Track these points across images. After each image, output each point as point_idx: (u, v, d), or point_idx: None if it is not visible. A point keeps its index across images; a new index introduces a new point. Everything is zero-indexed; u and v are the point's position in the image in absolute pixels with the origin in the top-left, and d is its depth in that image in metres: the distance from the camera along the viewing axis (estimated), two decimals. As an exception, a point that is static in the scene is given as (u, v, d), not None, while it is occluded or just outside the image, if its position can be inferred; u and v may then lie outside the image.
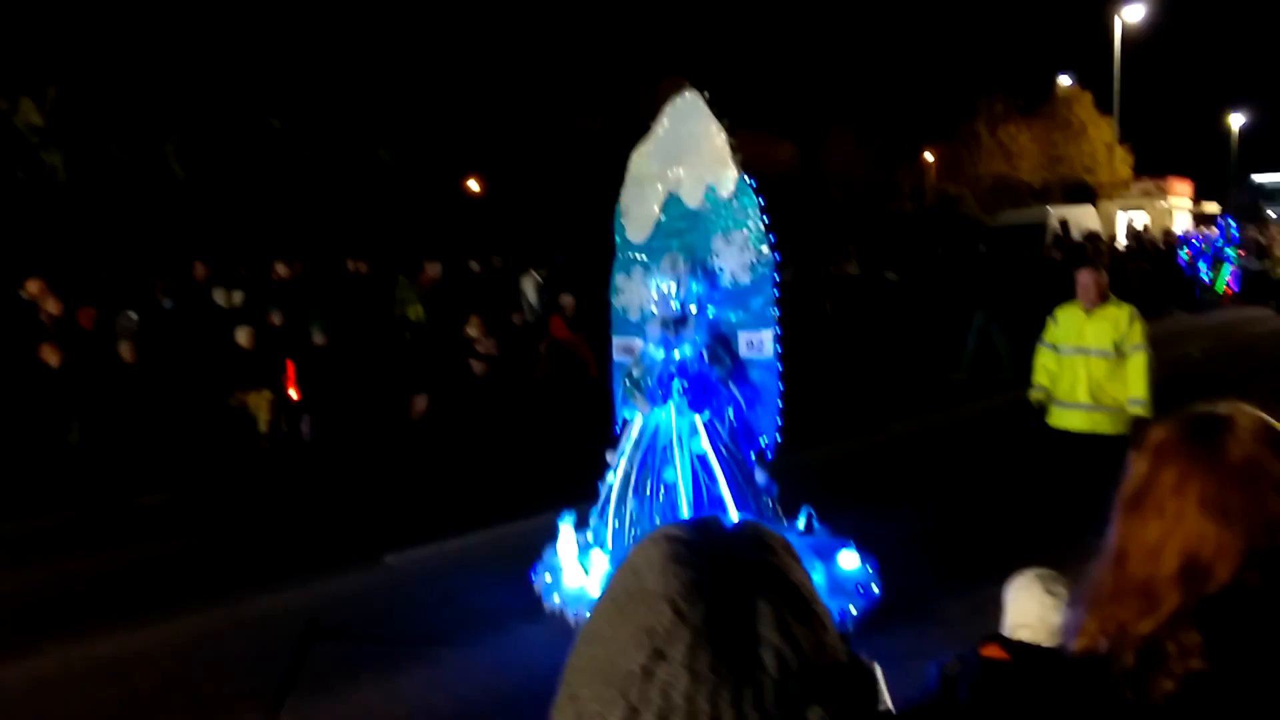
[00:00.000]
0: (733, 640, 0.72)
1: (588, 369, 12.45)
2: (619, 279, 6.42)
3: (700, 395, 5.77)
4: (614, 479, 5.99)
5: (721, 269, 5.85)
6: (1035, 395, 6.56)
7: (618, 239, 6.42)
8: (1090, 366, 6.21)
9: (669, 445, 5.82)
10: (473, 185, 21.56)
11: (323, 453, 10.92)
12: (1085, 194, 31.33)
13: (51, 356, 9.94)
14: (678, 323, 5.77)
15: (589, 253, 15.24)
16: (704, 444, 5.76)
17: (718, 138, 5.87)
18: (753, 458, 5.88)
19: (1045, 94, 37.38)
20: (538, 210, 18.60)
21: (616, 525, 5.88)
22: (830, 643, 0.77)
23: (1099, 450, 6.03)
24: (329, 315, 11.91)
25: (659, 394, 5.82)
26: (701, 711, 0.69)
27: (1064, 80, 37.74)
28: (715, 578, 0.74)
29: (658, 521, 5.57)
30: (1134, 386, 6.08)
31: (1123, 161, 36.56)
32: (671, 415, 5.85)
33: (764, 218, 5.72)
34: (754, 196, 5.74)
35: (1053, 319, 6.53)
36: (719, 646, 0.71)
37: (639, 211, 6.27)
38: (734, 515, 5.42)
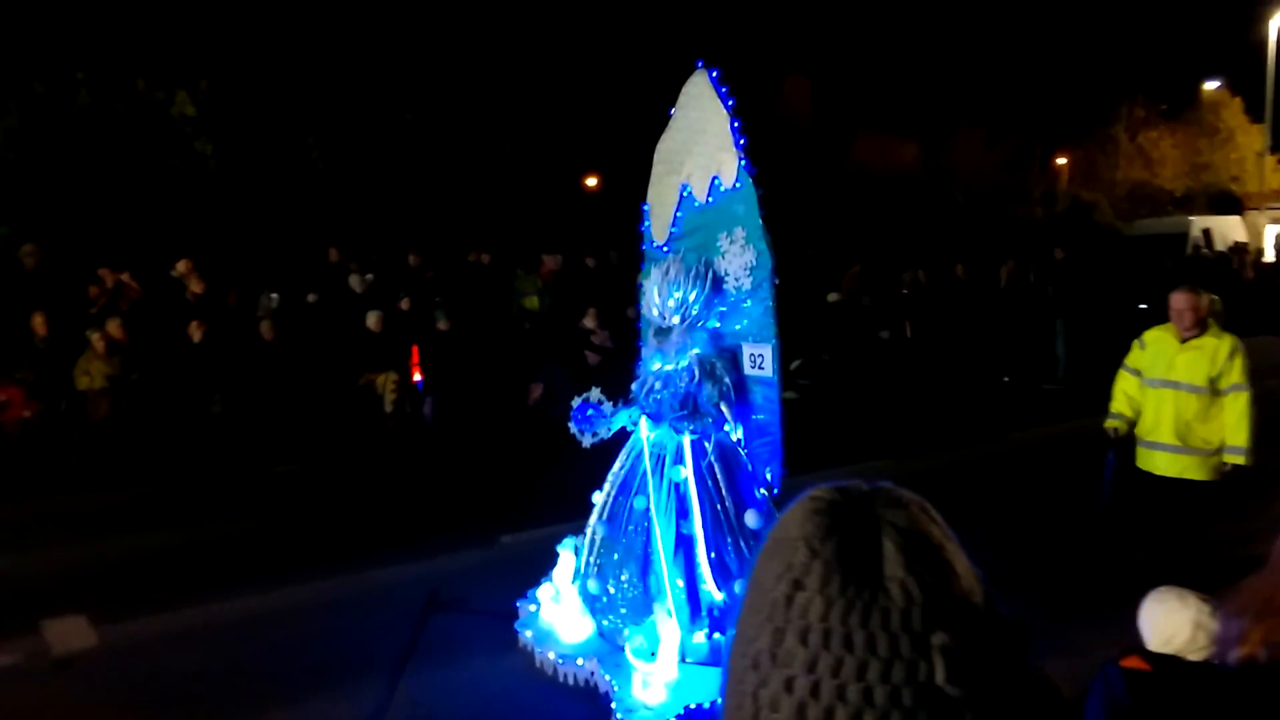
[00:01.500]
0: (860, 572, 0.83)
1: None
2: (645, 284, 5.55)
3: (678, 415, 5.00)
4: (598, 502, 5.41)
5: (726, 273, 5.16)
6: (1111, 424, 5.91)
7: (645, 240, 5.87)
8: (1179, 403, 5.51)
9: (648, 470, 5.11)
10: (591, 182, 21.89)
11: (443, 434, 11.29)
12: (1231, 204, 29.67)
13: (196, 332, 10.58)
14: (662, 332, 5.12)
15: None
16: (684, 472, 5.01)
17: (718, 119, 5.14)
18: (759, 494, 5.06)
19: (1190, 98, 35.51)
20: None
21: (588, 554, 5.33)
22: (962, 586, 0.85)
23: (1187, 497, 5.45)
24: (452, 303, 12.32)
25: (635, 412, 5.21)
26: (834, 629, 0.81)
27: (1211, 85, 35.79)
28: (846, 524, 0.86)
29: (617, 555, 5.09)
30: (1233, 432, 5.38)
31: (1274, 171, 34.46)
32: (643, 436, 5.16)
33: (761, 209, 4.96)
34: (752, 185, 4.99)
35: (1139, 343, 5.82)
36: (848, 576, 0.83)
37: (660, 210, 5.72)
38: (703, 558, 4.86)
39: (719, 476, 5.03)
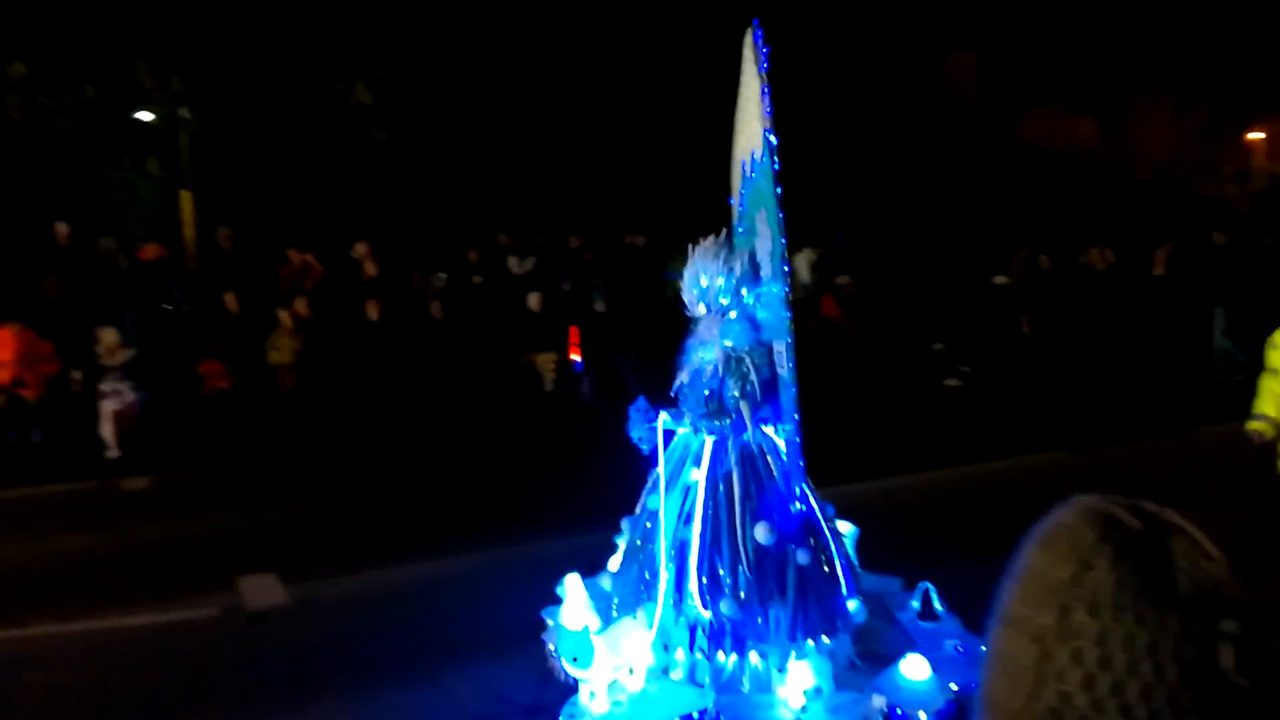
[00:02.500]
0: (1149, 557, 0.85)
1: (856, 350, 12.34)
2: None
3: (699, 414, 4.63)
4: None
5: (761, 258, 4.77)
6: (1256, 426, 5.54)
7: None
8: None
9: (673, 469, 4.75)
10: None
11: (600, 413, 11.54)
12: None
13: (373, 311, 11.17)
14: (692, 321, 4.81)
15: (874, 232, 14.97)
16: (695, 475, 4.64)
17: (754, 84, 4.68)
18: (793, 509, 4.63)
19: None
20: (817, 187, 18.47)
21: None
22: (1234, 585, 0.87)
23: None
24: (610, 285, 12.54)
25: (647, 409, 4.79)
26: (1126, 605, 0.83)
27: None
28: (1127, 518, 0.88)
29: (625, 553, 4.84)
30: None
31: None
32: (659, 434, 4.75)
33: (778, 188, 4.47)
34: (770, 159, 4.52)
35: (1271, 342, 5.45)
36: (1138, 560, 0.85)
37: (735, 187, 5.37)
38: (693, 570, 4.50)
39: (735, 484, 4.61)
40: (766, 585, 4.52)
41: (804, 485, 4.67)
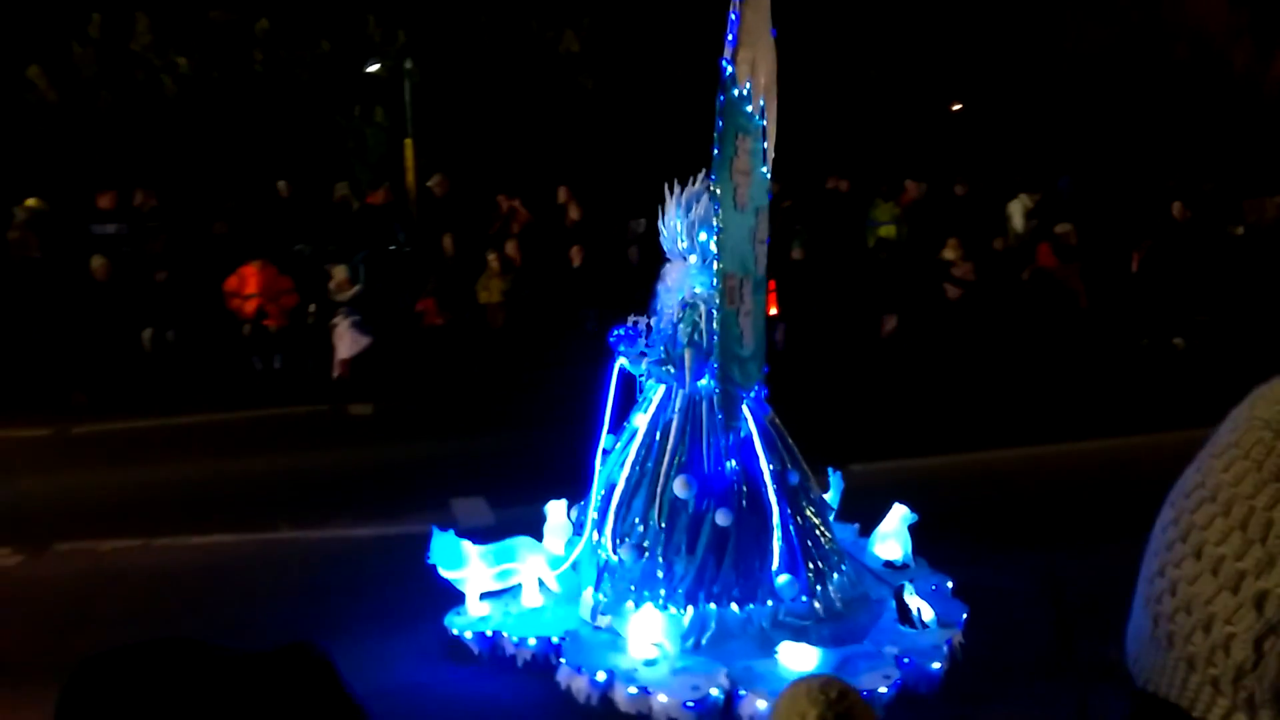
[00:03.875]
0: None
1: (1077, 301, 11.65)
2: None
3: (653, 360, 4.63)
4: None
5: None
6: None
7: None
8: None
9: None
10: (955, 106, 20.69)
11: (794, 361, 11.49)
12: None
13: (576, 256, 11.54)
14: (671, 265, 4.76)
15: (1098, 178, 13.98)
16: (639, 420, 4.72)
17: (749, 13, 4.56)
18: (728, 467, 4.57)
19: None
20: (1032, 132, 17.37)
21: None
22: None
23: None
24: (809, 232, 12.35)
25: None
26: None
27: None
28: None
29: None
30: None
31: None
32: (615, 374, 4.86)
33: (719, 121, 4.43)
34: (724, 91, 4.46)
35: None
36: None
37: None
38: (613, 513, 4.61)
39: (671, 434, 4.60)
40: (675, 539, 4.46)
41: (764, 447, 4.59)
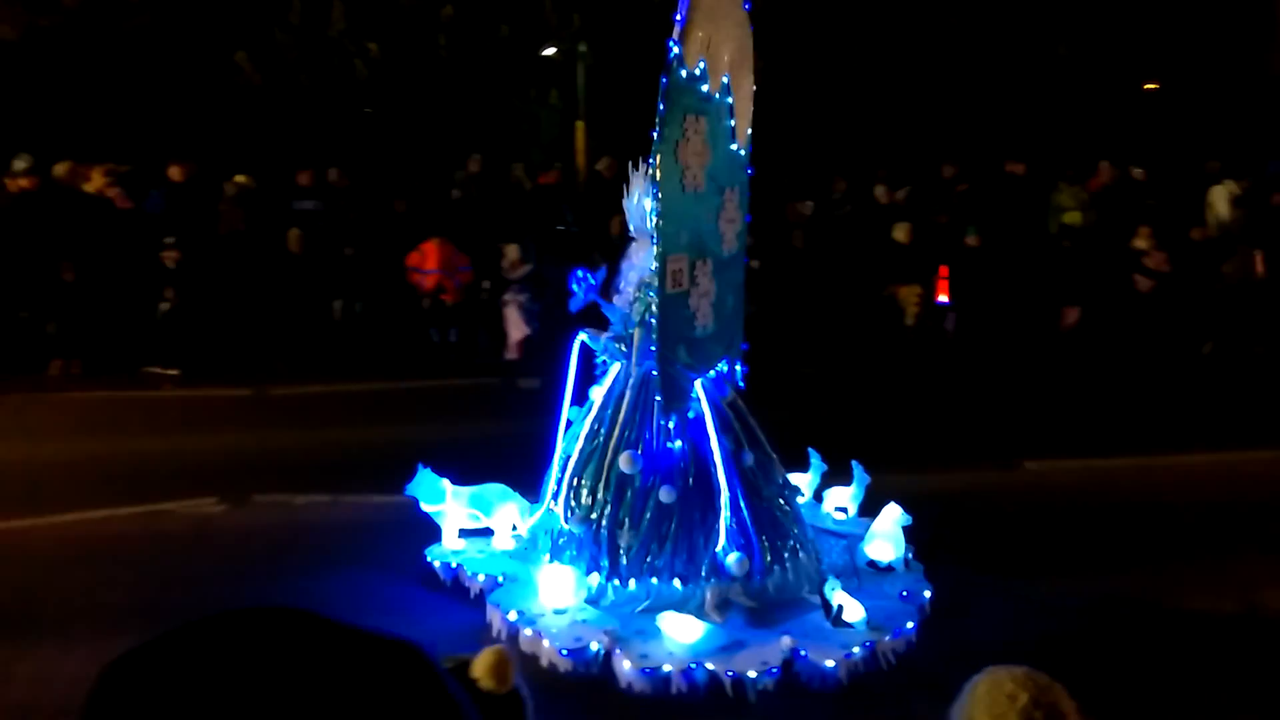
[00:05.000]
0: None
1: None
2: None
3: (610, 335, 4.85)
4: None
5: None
6: None
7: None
8: None
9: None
10: (1149, 86, 19.31)
11: (965, 351, 11.09)
12: None
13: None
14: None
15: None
16: (595, 393, 4.94)
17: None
18: (672, 445, 4.65)
19: None
20: (1238, 113, 16.04)
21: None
22: None
23: None
24: (985, 217, 11.88)
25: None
26: None
27: None
28: None
29: None
30: None
31: None
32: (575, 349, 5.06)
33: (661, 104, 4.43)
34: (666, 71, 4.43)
35: None
36: None
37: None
38: (566, 484, 4.84)
39: (622, 410, 4.71)
40: (620, 514, 4.60)
41: (717, 427, 4.65)
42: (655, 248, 4.48)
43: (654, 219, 4.48)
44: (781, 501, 4.92)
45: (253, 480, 6.68)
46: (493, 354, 10.95)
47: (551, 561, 4.81)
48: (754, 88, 5.05)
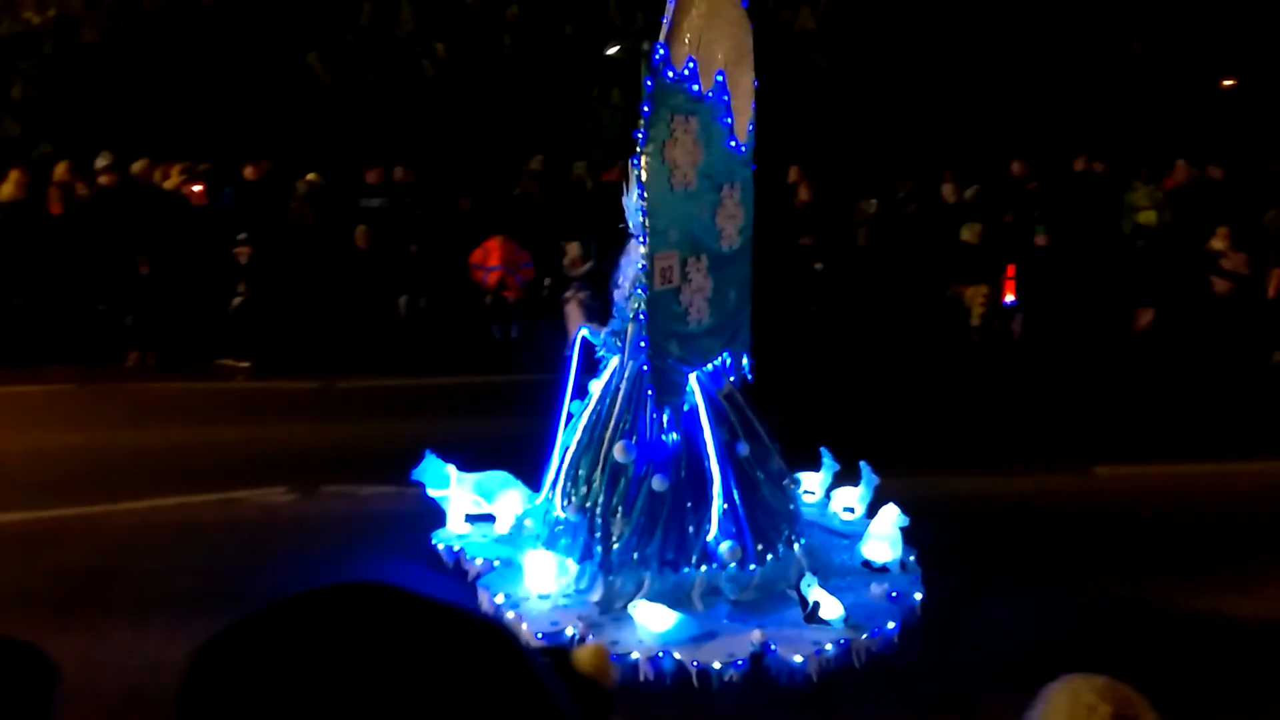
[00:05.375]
0: None
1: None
2: None
3: (609, 330, 4.97)
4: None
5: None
6: None
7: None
8: None
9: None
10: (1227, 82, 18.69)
11: (1032, 353, 10.87)
12: None
13: (804, 238, 11.40)
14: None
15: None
16: (593, 387, 5.03)
17: None
18: (667, 438, 4.77)
19: None
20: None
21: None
22: None
23: None
24: (1055, 216, 11.63)
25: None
26: None
27: None
28: None
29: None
30: None
31: None
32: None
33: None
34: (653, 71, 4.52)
35: None
36: None
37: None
38: (563, 475, 5.02)
39: (618, 401, 4.83)
40: (613, 502, 4.72)
41: (710, 419, 4.76)
42: (642, 246, 4.59)
43: (641, 218, 4.58)
44: (780, 494, 5.02)
45: (321, 471, 6.82)
46: (554, 351, 11.02)
47: (546, 548, 4.95)
48: (755, 84, 5.15)
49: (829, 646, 4.30)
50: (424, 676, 0.70)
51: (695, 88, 4.69)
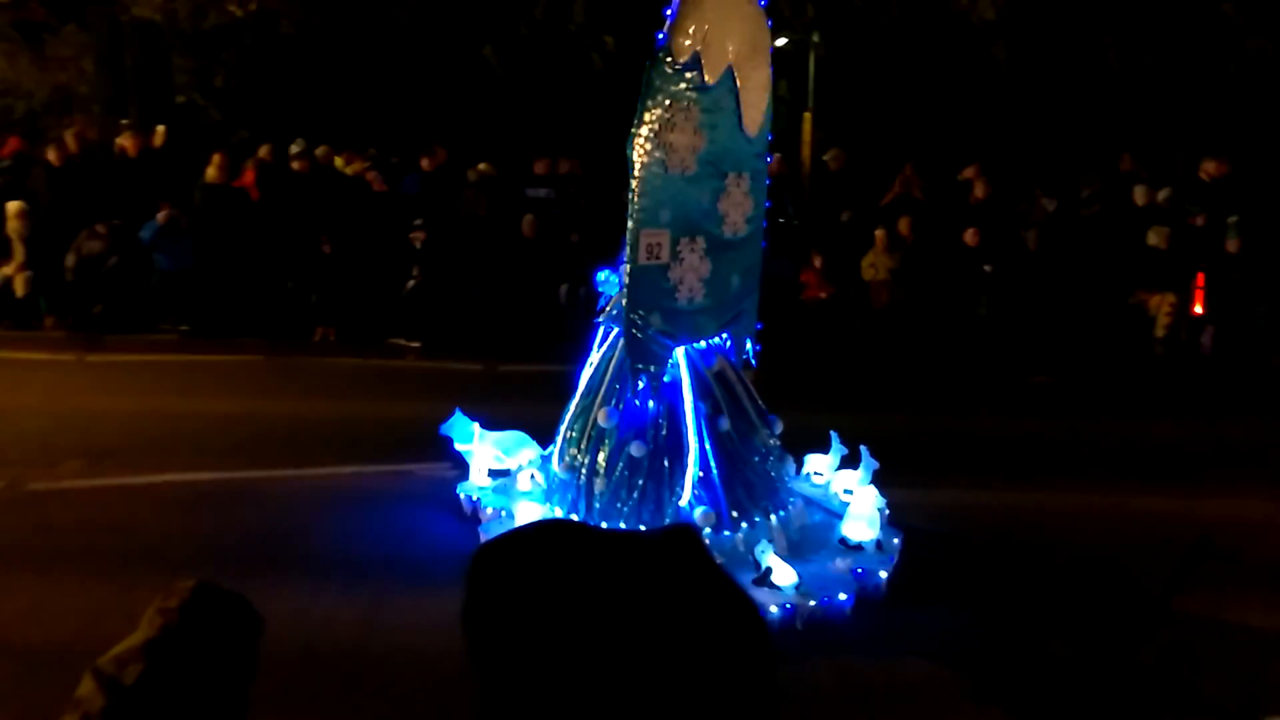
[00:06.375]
0: None
1: None
2: None
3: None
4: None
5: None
6: None
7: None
8: None
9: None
10: None
11: (1223, 369, 10.13)
12: None
13: (972, 237, 10.97)
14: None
15: None
16: (593, 357, 5.45)
17: None
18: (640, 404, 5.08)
19: None
20: None
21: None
22: None
23: None
24: (1250, 220, 10.77)
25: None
26: None
27: None
28: None
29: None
30: None
31: None
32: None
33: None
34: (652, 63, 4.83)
35: None
36: None
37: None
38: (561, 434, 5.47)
39: (610, 370, 5.16)
40: (596, 463, 5.11)
41: (694, 392, 5.05)
42: (630, 221, 4.87)
43: (631, 195, 4.86)
44: (762, 469, 5.31)
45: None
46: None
47: (545, 501, 5.46)
48: (770, 79, 5.32)
49: (774, 609, 4.51)
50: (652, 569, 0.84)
51: (698, 78, 4.89)
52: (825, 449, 6.01)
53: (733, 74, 5.02)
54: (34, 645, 4.36)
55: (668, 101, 4.81)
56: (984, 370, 10.03)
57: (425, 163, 11.88)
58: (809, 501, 5.68)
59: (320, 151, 12.08)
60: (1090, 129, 13.83)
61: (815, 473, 6.04)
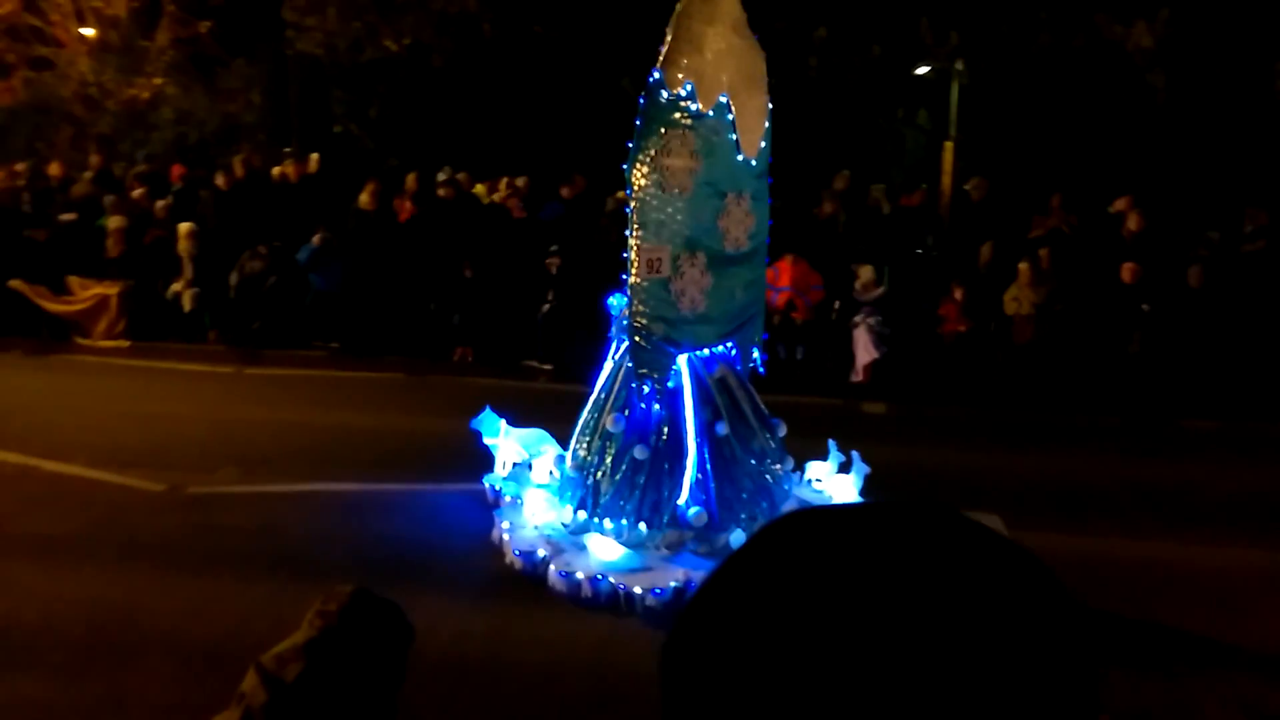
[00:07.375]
0: None
1: None
2: None
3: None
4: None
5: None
6: None
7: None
8: None
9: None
10: None
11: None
12: None
13: (1128, 273, 10.44)
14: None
15: None
16: (607, 366, 5.87)
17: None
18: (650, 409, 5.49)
19: None
20: None
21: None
22: None
23: None
24: None
25: None
26: None
27: None
28: None
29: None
30: None
31: None
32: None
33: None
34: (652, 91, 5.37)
35: None
36: None
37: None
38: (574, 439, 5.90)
39: (619, 376, 5.53)
40: (603, 464, 5.53)
41: (695, 399, 5.36)
42: (630, 239, 5.21)
43: (631, 215, 5.23)
44: (757, 472, 5.58)
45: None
46: (840, 375, 10.87)
47: (557, 495, 5.89)
48: (768, 104, 5.69)
49: None
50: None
51: (693, 107, 5.27)
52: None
53: (728, 102, 5.42)
54: (192, 642, 4.64)
55: (663, 129, 5.23)
56: (1133, 411, 9.52)
57: (565, 191, 12.19)
58: (805, 504, 5.80)
59: (462, 177, 12.55)
60: (1254, 160, 13.02)
61: (816, 479, 6.36)
